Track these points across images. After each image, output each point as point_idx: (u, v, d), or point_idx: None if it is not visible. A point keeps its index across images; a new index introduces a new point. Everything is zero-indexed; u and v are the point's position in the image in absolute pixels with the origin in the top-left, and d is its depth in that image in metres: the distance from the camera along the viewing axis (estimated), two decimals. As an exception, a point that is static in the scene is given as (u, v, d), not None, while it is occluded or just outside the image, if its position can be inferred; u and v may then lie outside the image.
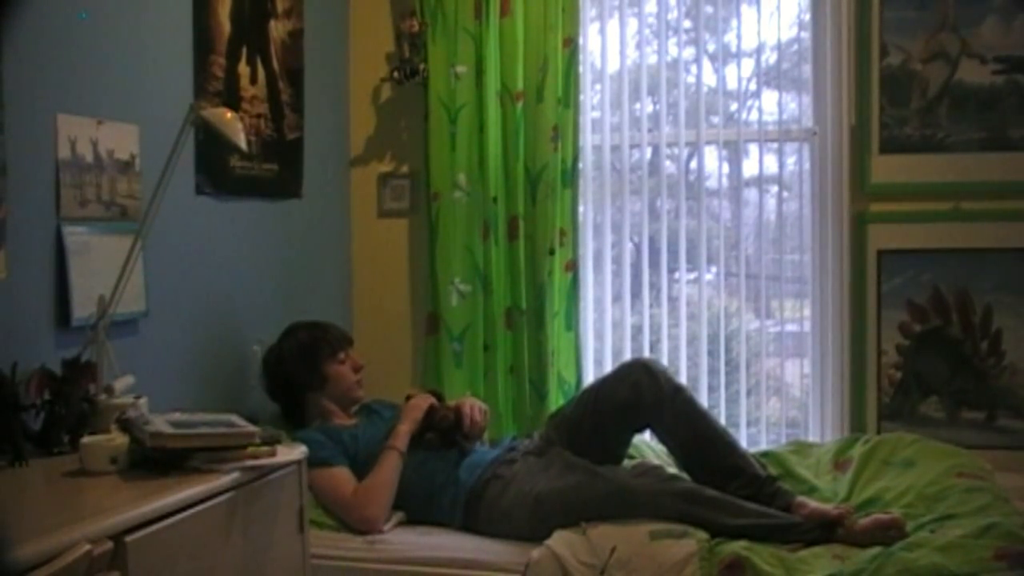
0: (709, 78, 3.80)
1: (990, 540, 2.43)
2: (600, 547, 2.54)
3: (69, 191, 2.33)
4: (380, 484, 2.82)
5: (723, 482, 2.77)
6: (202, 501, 1.88)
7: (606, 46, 3.78)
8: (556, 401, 3.51)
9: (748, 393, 3.73)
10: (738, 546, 2.52)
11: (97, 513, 1.69)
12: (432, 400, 3.04)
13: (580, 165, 3.64)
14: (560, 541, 2.59)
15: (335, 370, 3.07)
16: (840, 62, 3.54)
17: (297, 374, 3.04)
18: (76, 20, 2.37)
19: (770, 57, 3.75)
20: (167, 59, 2.73)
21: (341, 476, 2.83)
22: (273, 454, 2.12)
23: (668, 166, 3.79)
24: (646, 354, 3.70)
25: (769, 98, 3.77)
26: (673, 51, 3.79)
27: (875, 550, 2.48)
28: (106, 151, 2.44)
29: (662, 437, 3.03)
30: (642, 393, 2.92)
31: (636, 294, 3.79)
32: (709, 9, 3.74)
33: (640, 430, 3.08)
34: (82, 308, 2.32)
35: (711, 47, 3.79)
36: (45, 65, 2.26)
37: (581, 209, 3.68)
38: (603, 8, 3.77)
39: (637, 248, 3.82)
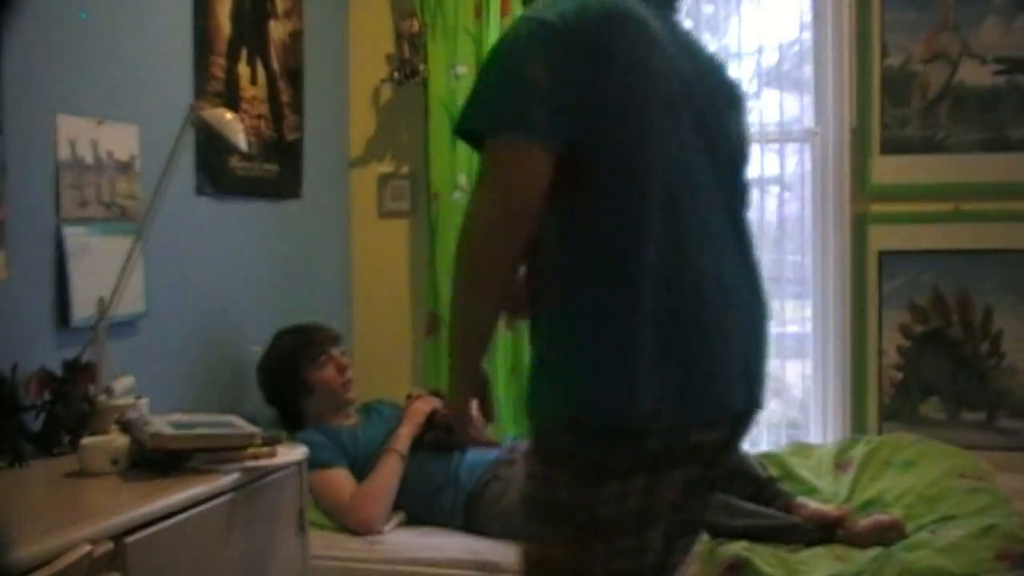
0: (709, 79, 3.79)
1: (991, 541, 2.43)
2: (600, 548, 2.54)
3: (69, 192, 2.32)
4: (379, 487, 2.80)
5: (723, 483, 2.76)
6: (202, 502, 1.88)
7: (606, 46, 3.77)
8: (556, 402, 3.50)
9: (748, 394, 3.72)
10: (739, 547, 2.52)
11: (97, 514, 1.69)
12: (435, 404, 3.03)
13: (580, 166, 3.63)
14: (560, 542, 2.58)
15: (318, 377, 3.00)
16: (841, 62, 3.53)
17: (283, 386, 3.00)
18: (76, 20, 2.37)
19: (771, 57, 3.74)
20: (167, 59, 2.73)
21: (340, 478, 2.82)
22: (273, 455, 2.12)
23: (668, 167, 3.78)
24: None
25: (770, 98, 3.76)
26: (673, 51, 3.78)
27: (875, 551, 2.48)
28: (106, 151, 2.44)
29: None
30: None
31: (636, 295, 3.78)
32: (709, 9, 3.74)
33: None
34: (82, 309, 2.31)
35: (712, 47, 3.78)
36: (45, 65, 2.26)
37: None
38: (603, 8, 3.76)
39: (637, 249, 3.81)
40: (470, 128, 1.55)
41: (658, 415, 1.49)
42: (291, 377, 2.99)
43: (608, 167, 1.51)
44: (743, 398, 1.62)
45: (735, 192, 1.66)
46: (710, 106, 1.62)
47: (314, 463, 2.55)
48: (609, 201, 1.51)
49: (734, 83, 1.77)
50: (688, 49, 1.67)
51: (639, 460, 1.51)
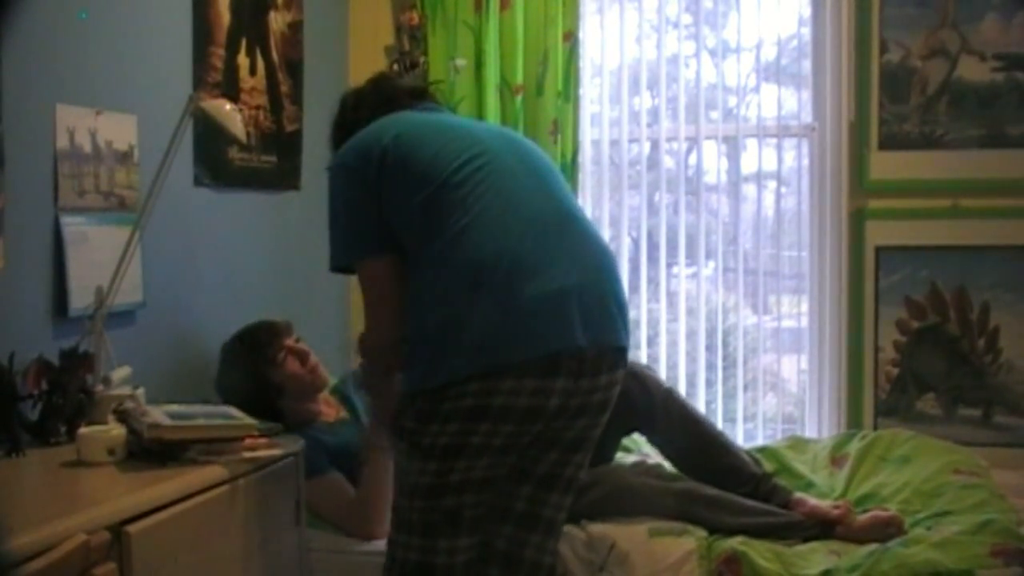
0: (708, 73, 3.80)
1: (986, 537, 2.43)
2: (599, 544, 2.54)
3: (67, 181, 2.32)
4: (376, 495, 2.68)
5: (719, 483, 2.75)
6: (199, 493, 1.88)
7: (605, 40, 3.77)
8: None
9: (745, 388, 3.73)
10: (735, 541, 2.53)
11: (94, 504, 1.69)
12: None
13: (579, 159, 3.63)
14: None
15: (283, 375, 2.83)
16: (840, 58, 3.54)
17: (253, 396, 2.75)
18: (75, 10, 2.36)
19: (770, 52, 3.75)
20: (166, 50, 2.73)
21: (334, 484, 2.71)
22: (270, 446, 2.12)
23: (667, 161, 3.78)
24: (643, 348, 3.70)
25: (768, 93, 3.77)
26: (672, 46, 3.78)
27: (872, 546, 2.48)
28: (104, 141, 2.44)
29: (654, 441, 2.99)
30: (632, 400, 2.85)
31: (634, 288, 3.79)
32: (709, 4, 3.73)
33: (630, 432, 3.05)
34: (80, 299, 2.31)
35: (711, 42, 3.79)
36: (44, 55, 2.26)
37: (580, 203, 3.67)
38: (603, 2, 3.76)
39: (635, 242, 3.82)
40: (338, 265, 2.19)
41: None
42: (257, 385, 2.81)
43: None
44: None
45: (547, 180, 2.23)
46: (503, 136, 2.27)
47: (305, 472, 2.46)
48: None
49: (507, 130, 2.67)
50: (458, 120, 2.41)
51: None
